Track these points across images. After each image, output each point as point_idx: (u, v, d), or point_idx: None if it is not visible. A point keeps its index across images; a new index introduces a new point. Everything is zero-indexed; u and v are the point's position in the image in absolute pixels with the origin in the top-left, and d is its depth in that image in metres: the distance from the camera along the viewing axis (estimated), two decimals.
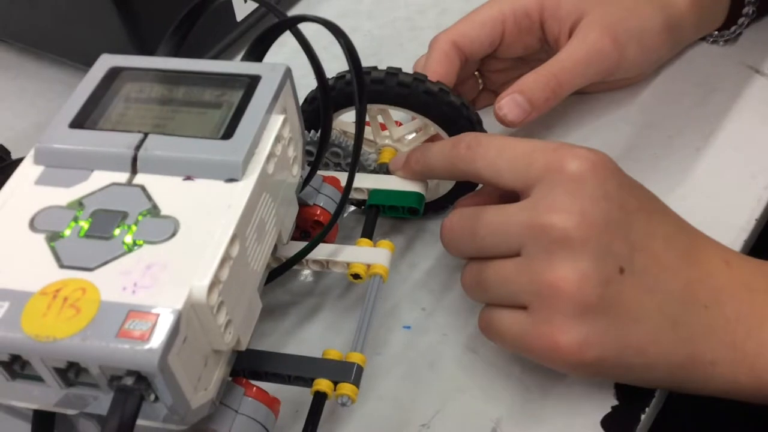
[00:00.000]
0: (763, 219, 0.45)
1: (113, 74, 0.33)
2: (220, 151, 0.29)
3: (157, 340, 0.24)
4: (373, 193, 0.41)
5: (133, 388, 0.24)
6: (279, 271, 0.35)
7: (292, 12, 0.61)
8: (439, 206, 0.44)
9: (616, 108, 0.51)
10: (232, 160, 0.29)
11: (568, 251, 0.32)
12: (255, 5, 0.56)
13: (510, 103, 0.42)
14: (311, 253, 0.37)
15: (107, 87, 0.33)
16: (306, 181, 0.38)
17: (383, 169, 0.42)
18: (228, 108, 0.31)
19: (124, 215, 0.28)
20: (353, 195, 0.41)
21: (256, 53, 0.35)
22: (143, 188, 0.29)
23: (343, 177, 0.41)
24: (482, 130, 0.41)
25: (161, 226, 0.27)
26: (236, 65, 0.33)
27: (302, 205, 0.38)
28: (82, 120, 0.31)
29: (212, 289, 0.26)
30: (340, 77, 0.41)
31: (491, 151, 0.35)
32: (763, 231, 0.46)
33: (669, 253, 0.33)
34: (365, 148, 0.43)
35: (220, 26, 0.54)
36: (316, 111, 0.41)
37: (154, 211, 0.28)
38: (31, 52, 0.60)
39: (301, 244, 0.36)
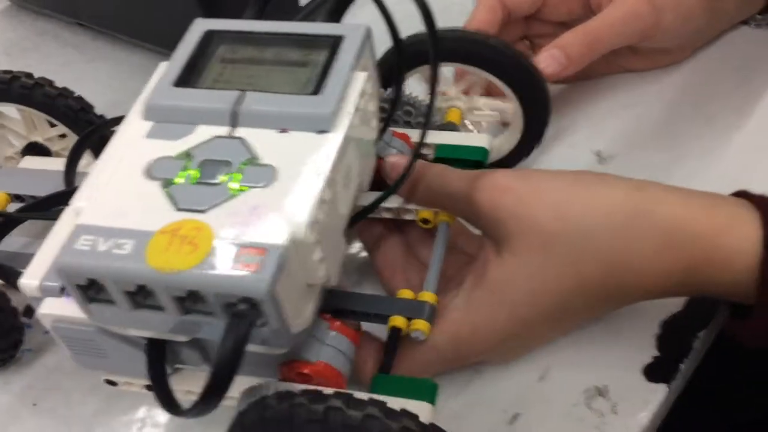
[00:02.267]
0: None
1: (208, 37, 0.36)
2: (312, 105, 0.32)
3: (267, 271, 0.27)
4: (439, 148, 0.43)
5: (245, 313, 0.28)
6: (358, 216, 0.38)
7: None
8: (502, 166, 0.47)
9: (658, 88, 0.52)
10: (323, 113, 0.32)
11: (547, 248, 0.35)
12: None
13: (548, 57, 0.45)
14: (384, 202, 0.40)
15: (204, 49, 0.36)
16: (379, 136, 0.41)
17: (449, 128, 0.45)
18: (315, 66, 0.34)
19: (228, 164, 0.31)
20: (422, 151, 0.44)
21: (336, 14, 0.37)
22: (243, 140, 0.32)
23: (412, 134, 0.44)
24: (542, 78, 0.43)
25: (262, 173, 0.31)
26: (321, 26, 0.36)
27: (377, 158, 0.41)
28: (185, 79, 0.34)
29: (311, 227, 0.29)
30: (414, 37, 0.43)
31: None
32: None
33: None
34: (442, 100, 0.46)
35: (284, 12, 0.57)
36: (389, 70, 0.44)
37: (254, 160, 0.31)
38: (106, 35, 0.64)
39: (374, 194, 0.40)
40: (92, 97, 0.49)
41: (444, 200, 0.39)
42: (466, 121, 0.46)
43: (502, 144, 0.46)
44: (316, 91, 0.33)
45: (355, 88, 0.34)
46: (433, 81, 0.36)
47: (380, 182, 0.43)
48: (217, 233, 0.29)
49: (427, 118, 0.37)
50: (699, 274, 0.33)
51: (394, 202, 0.41)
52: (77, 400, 0.42)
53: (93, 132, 0.45)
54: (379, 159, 0.41)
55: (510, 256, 0.35)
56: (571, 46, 0.45)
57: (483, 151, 0.43)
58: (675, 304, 0.40)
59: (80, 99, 0.49)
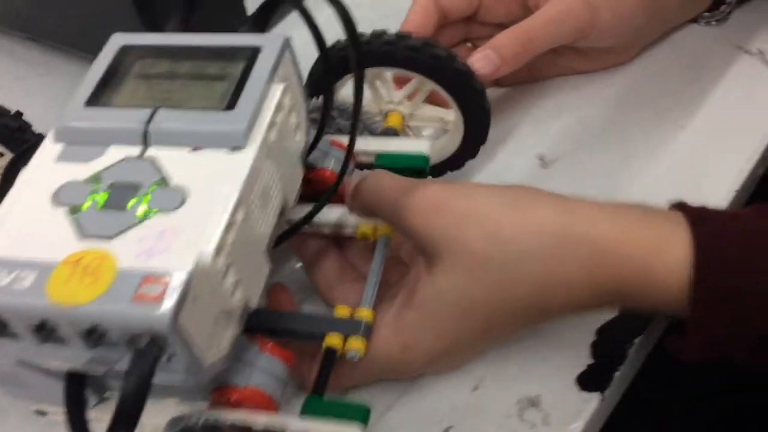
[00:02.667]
0: (743, 190, 0.46)
1: (124, 52, 0.35)
2: (224, 121, 0.31)
3: (168, 302, 0.26)
4: (379, 156, 0.42)
5: (148, 348, 0.26)
6: (287, 234, 0.37)
7: None
8: (445, 168, 0.46)
9: (605, 87, 0.52)
10: (234, 130, 0.31)
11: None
12: None
13: (482, 58, 0.44)
14: (322, 216, 0.38)
15: (119, 65, 0.34)
16: (312, 146, 0.39)
17: (389, 133, 0.43)
18: (231, 80, 0.33)
19: (138, 187, 0.30)
20: (362, 159, 0.43)
21: (260, 23, 0.36)
22: (154, 161, 0.31)
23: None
24: (477, 83, 0.42)
25: (171, 196, 0.29)
26: (238, 37, 0.34)
27: (312, 168, 0.40)
28: (97, 98, 0.33)
29: (219, 252, 0.28)
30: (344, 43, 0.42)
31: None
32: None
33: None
34: (371, 112, 0.45)
35: (230, 21, 0.56)
36: (318, 79, 0.43)
37: (164, 182, 0.30)
38: (58, 49, 0.62)
39: (310, 205, 0.38)
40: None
41: (379, 211, 0.37)
42: (408, 126, 0.45)
43: (445, 146, 0.45)
44: (230, 106, 0.31)
45: (271, 101, 0.32)
46: (357, 89, 0.35)
47: (318, 194, 0.41)
48: (121, 262, 0.27)
49: (353, 127, 0.36)
50: (632, 292, 0.33)
51: (333, 216, 0.40)
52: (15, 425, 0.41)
53: (27, 151, 0.44)
54: (317, 170, 0.40)
55: (441, 275, 0.34)
56: (505, 46, 0.44)
57: (423, 158, 0.42)
58: (611, 311, 0.39)
59: (18, 117, 0.47)
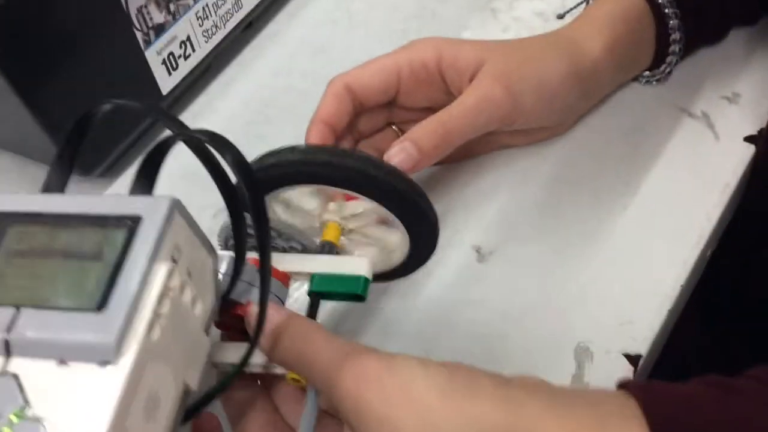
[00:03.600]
0: (689, 284, 0.43)
1: None
2: (92, 327, 0.26)
3: None
4: (314, 278, 0.38)
5: None
6: (194, 410, 0.32)
7: (226, 74, 0.57)
8: (391, 277, 0.41)
9: (541, 163, 0.49)
10: (102, 342, 0.26)
11: None
12: (180, 78, 0.52)
13: (400, 151, 0.40)
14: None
15: None
16: (233, 280, 0.35)
17: (326, 248, 0.39)
18: (106, 263, 0.28)
19: None
20: (298, 279, 0.38)
21: (146, 177, 0.31)
22: (16, 378, 0.27)
23: (287, 261, 0.38)
24: (429, 206, 0.37)
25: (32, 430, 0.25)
26: (119, 202, 0.30)
27: (235, 304, 0.36)
28: None
29: None
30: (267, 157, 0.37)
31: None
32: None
33: None
34: (308, 224, 0.40)
35: (145, 100, 0.52)
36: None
37: (24, 409, 0.26)
38: None
39: (236, 345, 0.34)
40: None
41: (304, 371, 0.33)
42: (344, 239, 0.40)
43: (390, 256, 0.40)
44: (102, 304, 0.27)
45: (153, 288, 0.28)
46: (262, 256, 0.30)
47: (242, 331, 0.37)
48: None
49: (262, 297, 0.31)
50: None
51: (260, 357, 0.35)
52: None
53: None
54: (240, 305, 0.36)
55: None
56: (422, 139, 0.41)
57: (363, 282, 0.37)
58: None
59: None
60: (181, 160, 0.34)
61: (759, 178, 0.49)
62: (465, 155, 0.49)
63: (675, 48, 0.49)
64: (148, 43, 0.50)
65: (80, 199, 0.30)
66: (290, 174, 0.37)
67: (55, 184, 0.32)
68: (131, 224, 0.29)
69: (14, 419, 0.26)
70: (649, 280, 0.38)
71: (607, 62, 0.46)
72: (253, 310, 0.34)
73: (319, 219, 0.39)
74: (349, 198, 0.39)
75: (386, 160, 0.40)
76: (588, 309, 0.42)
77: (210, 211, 0.45)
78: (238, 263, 0.34)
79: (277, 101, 0.56)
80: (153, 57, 0.51)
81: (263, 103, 0.56)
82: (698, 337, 0.59)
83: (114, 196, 0.30)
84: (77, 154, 0.33)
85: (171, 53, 0.51)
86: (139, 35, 0.50)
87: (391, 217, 0.38)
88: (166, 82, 0.52)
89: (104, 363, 0.26)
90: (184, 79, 0.54)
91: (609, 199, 0.46)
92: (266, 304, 0.31)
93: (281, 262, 0.38)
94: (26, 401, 0.26)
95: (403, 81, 0.45)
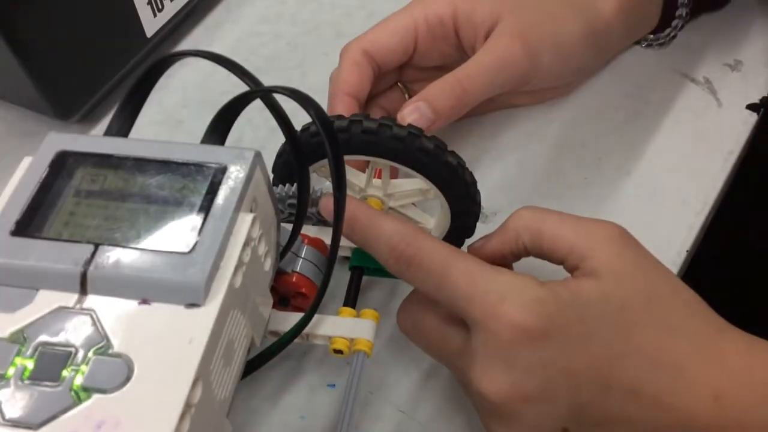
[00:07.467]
0: (694, 249, 0.43)
1: (61, 160, 0.29)
2: (179, 268, 0.26)
3: None
4: (356, 252, 0.37)
5: None
6: (256, 365, 0.32)
7: (213, 18, 0.56)
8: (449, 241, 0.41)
9: (546, 125, 0.48)
10: (192, 282, 0.25)
11: (501, 421, 0.32)
12: (165, 20, 0.51)
13: (414, 111, 0.38)
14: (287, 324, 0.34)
15: (55, 177, 0.29)
16: (285, 249, 0.35)
17: None
18: (190, 208, 0.27)
19: (73, 353, 0.25)
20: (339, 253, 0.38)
21: (220, 130, 0.31)
22: (93, 315, 0.26)
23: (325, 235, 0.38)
24: (476, 192, 0.37)
25: (113, 370, 0.24)
26: (200, 150, 0.29)
27: (281, 273, 0.35)
28: (26, 223, 0.27)
29: None
30: (306, 129, 0.37)
31: (430, 283, 0.33)
32: (693, 261, 0.44)
33: (632, 404, 0.30)
34: (353, 195, 0.40)
35: (130, 43, 0.50)
36: (286, 164, 0.38)
37: (105, 347, 0.25)
38: None
39: (282, 315, 0.34)
40: None
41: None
42: (391, 209, 0.40)
43: (439, 225, 0.40)
44: (188, 247, 0.26)
45: (238, 237, 0.27)
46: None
47: (284, 298, 0.37)
48: None
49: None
50: None
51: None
52: None
53: None
54: (284, 275, 0.35)
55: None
56: (438, 99, 0.39)
57: None
58: None
59: None
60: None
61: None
62: (468, 114, 0.45)
63: (681, 12, 0.48)
64: None
65: (160, 145, 0.29)
66: (359, 144, 0.36)
67: (119, 129, 0.31)
68: (216, 173, 0.28)
69: (91, 357, 0.25)
70: (653, 245, 0.38)
71: (619, 22, 0.45)
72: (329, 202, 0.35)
73: (361, 193, 0.39)
74: (393, 176, 0.39)
75: (399, 120, 0.38)
76: None
77: None
78: (299, 217, 0.33)
79: (266, 49, 0.53)
80: None
81: (250, 51, 0.52)
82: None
83: (193, 144, 0.30)
84: (137, 113, 0.32)
85: None
86: None
87: (437, 201, 0.38)
88: (151, 24, 0.50)
89: (191, 305, 0.25)
90: (169, 21, 0.52)
91: (613, 163, 0.46)
92: (345, 191, 0.31)
93: (323, 235, 0.38)
94: (106, 339, 0.25)
95: (420, 39, 0.43)
